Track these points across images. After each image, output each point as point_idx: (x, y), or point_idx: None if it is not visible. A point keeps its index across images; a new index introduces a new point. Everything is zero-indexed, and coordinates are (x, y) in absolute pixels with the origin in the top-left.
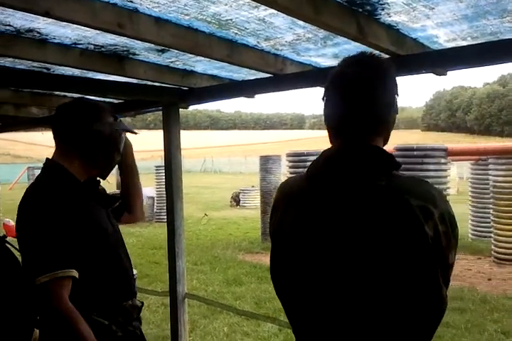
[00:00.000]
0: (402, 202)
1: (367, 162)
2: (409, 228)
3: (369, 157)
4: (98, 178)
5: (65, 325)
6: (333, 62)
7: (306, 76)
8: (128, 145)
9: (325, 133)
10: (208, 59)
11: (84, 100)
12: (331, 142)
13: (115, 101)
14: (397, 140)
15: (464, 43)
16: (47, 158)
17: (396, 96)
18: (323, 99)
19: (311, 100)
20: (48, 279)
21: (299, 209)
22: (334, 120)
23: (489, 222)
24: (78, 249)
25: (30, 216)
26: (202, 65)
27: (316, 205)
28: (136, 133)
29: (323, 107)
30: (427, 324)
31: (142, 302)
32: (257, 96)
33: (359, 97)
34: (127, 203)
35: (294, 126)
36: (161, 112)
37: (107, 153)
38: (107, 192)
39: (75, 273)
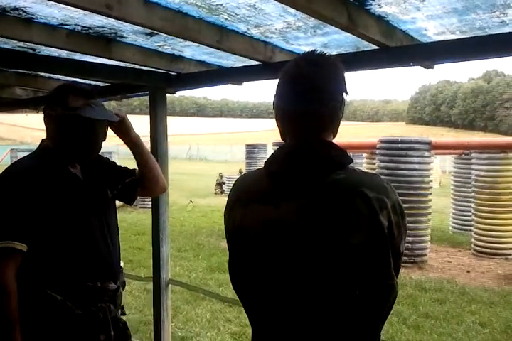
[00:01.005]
0: (360, 194)
1: (324, 157)
2: (367, 218)
3: (326, 152)
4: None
5: None
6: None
7: None
8: (122, 124)
9: None
10: (196, 44)
11: (62, 84)
12: (283, 137)
13: (101, 84)
14: (381, 132)
15: (453, 37)
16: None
17: (345, 94)
18: (275, 95)
19: None
20: None
21: (262, 206)
22: (287, 116)
23: (470, 216)
24: (35, 225)
25: None
26: (190, 50)
27: (279, 202)
28: (113, 120)
29: (275, 103)
30: (378, 313)
31: (118, 287)
32: (244, 84)
33: (312, 95)
34: (140, 179)
35: None
36: (146, 97)
37: (63, 136)
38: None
39: (22, 247)
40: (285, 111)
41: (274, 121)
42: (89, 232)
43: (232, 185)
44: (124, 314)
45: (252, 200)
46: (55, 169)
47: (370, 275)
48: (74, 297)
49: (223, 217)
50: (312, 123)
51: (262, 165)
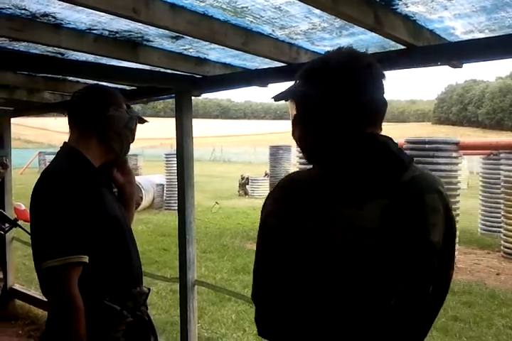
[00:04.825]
0: (437, 191)
1: (397, 153)
2: (443, 215)
3: (396, 148)
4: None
5: (67, 312)
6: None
7: None
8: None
9: None
10: (221, 47)
11: (101, 86)
12: (331, 137)
13: (127, 87)
14: (407, 132)
15: (481, 36)
16: (64, 142)
17: None
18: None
19: None
20: (60, 263)
21: (342, 209)
22: (369, 112)
23: (499, 217)
24: (90, 235)
25: (44, 201)
26: (216, 53)
27: (361, 203)
28: (146, 122)
29: (335, 102)
30: (442, 302)
31: (149, 289)
32: (269, 85)
33: (383, 89)
34: None
35: None
36: (170, 100)
37: (122, 138)
38: None
39: (86, 259)
40: (361, 108)
41: None
42: (125, 237)
43: (254, 187)
44: None
45: (328, 204)
46: (90, 175)
47: (442, 269)
48: (126, 305)
49: (271, 223)
50: (380, 119)
51: (285, 167)
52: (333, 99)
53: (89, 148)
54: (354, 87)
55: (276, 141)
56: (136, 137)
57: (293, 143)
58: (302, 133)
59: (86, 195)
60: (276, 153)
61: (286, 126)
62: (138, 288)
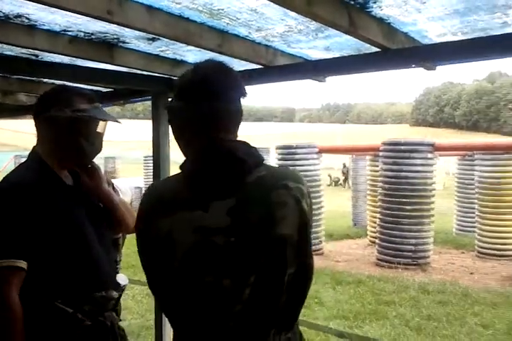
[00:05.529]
0: (284, 186)
1: (247, 156)
2: (293, 207)
3: (248, 151)
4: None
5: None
6: (324, 55)
7: (296, 68)
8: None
9: (315, 126)
10: (198, 49)
11: (58, 86)
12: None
13: (104, 89)
14: (385, 134)
15: (455, 38)
16: (33, 146)
17: None
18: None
19: (301, 93)
20: None
21: (190, 212)
22: (223, 122)
23: (474, 217)
24: (34, 240)
25: None
26: (192, 55)
27: (207, 205)
28: (117, 122)
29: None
30: (305, 293)
31: (120, 295)
32: (246, 87)
33: (239, 99)
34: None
35: (284, 119)
36: (149, 102)
37: (69, 140)
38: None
39: (23, 264)
40: (226, 116)
41: (277, 124)
42: (89, 242)
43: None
44: (120, 320)
45: (177, 207)
46: (49, 180)
47: (298, 258)
48: (83, 308)
49: (141, 229)
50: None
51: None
52: (189, 110)
53: (45, 150)
54: (207, 98)
55: (256, 143)
56: (114, 139)
57: (271, 144)
58: (177, 142)
59: (31, 200)
60: None
61: (265, 128)
62: (103, 292)
